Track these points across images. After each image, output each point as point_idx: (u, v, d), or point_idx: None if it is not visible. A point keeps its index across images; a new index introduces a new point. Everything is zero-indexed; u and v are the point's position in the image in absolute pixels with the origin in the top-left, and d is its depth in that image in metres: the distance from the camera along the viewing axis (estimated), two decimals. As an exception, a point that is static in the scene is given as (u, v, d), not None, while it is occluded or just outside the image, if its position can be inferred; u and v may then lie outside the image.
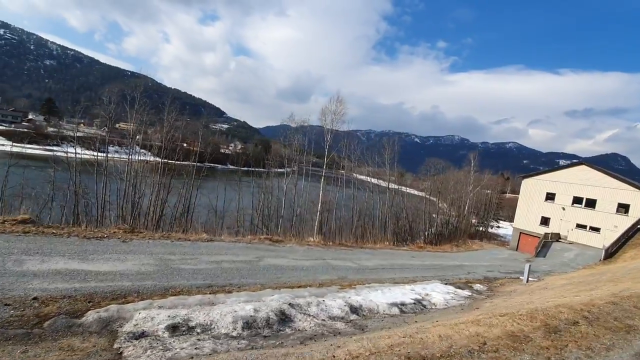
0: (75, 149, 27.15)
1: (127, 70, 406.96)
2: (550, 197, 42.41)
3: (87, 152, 32.74)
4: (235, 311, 6.64)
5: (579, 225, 39.64)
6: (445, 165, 63.62)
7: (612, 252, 31.89)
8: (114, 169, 28.44)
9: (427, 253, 23.09)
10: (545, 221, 42.52)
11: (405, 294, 11.06)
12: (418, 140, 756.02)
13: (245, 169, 48.68)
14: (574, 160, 42.12)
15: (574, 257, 32.95)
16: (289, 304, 8.05)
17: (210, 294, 7.80)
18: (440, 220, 60.54)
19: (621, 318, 5.86)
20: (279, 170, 51.63)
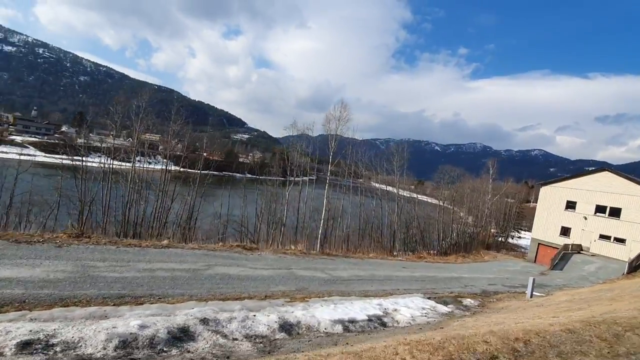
0: (81, 157, 27.73)
1: (154, 84, 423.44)
2: (570, 205, 39.55)
3: (114, 162, 33.79)
4: (115, 327, 5.81)
5: (602, 236, 36.63)
6: (461, 173, 61.01)
7: (637, 265, 29.05)
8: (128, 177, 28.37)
9: (424, 264, 21.47)
10: (565, 231, 39.62)
11: (366, 309, 9.89)
12: (438, 149, 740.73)
13: (263, 177, 48.30)
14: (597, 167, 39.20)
15: (595, 270, 30.21)
16: (203, 319, 7.14)
17: (112, 305, 7.03)
18: (457, 230, 58.17)
19: (567, 353, 4.59)
20: (296, 178, 51.38)
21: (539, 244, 41.55)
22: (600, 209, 37.14)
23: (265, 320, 7.99)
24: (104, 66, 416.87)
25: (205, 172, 37.79)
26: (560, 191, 40.58)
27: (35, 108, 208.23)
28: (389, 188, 56.98)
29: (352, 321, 8.94)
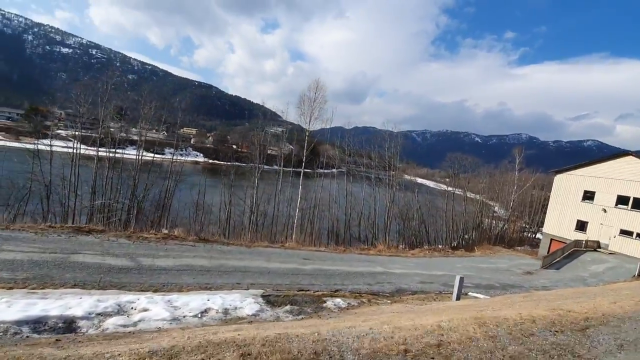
0: (77, 145, 28.76)
1: (195, 81, 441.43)
2: (588, 196, 34.47)
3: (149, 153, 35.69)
4: None
5: (623, 232, 31.54)
6: (476, 161, 56.03)
7: (654, 267, 24.44)
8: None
9: (358, 256, 18.36)
10: (581, 226, 34.68)
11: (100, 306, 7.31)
12: (479, 140, 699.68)
13: (291, 169, 47.67)
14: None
15: (603, 271, 25.86)
16: None
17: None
18: (473, 222, 53.78)
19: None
20: (325, 170, 50.31)
21: (551, 239, 36.78)
22: (622, 200, 31.91)
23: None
24: (149, 64, 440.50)
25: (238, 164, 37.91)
26: (577, 180, 35.46)
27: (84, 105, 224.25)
28: (420, 180, 54.35)
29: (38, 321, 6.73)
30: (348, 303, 9.76)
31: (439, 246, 42.39)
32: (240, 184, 38.34)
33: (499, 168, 62.21)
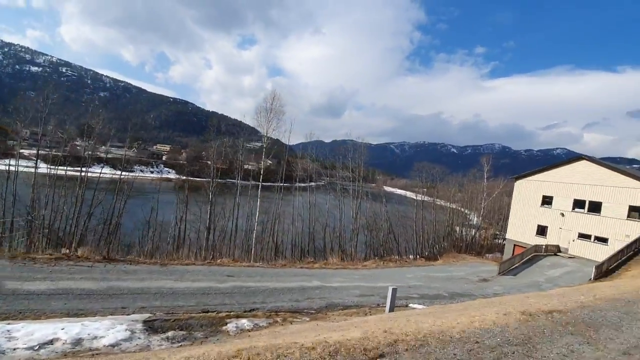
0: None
1: (170, 97, 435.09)
2: (547, 201, 34.78)
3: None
4: None
5: (581, 235, 31.75)
6: (444, 171, 56.37)
7: (608, 270, 24.40)
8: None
9: (313, 271, 17.30)
10: (542, 230, 34.84)
11: None
12: (455, 151, 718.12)
13: (268, 184, 46.30)
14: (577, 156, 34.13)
15: (560, 275, 25.65)
16: None
17: None
18: (444, 232, 53.70)
19: None
20: (302, 184, 49.17)
21: (514, 245, 36.81)
22: (578, 204, 32.27)
23: None
24: (122, 81, 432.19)
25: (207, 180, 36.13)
26: (536, 185, 35.82)
27: (53, 123, 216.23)
28: (398, 191, 54.64)
29: None
30: (255, 324, 8.60)
31: (410, 256, 41.80)
32: (216, 201, 36.83)
33: (467, 176, 62.87)
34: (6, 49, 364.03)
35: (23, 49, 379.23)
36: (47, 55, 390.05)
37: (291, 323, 9.06)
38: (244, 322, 8.74)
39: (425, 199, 51.14)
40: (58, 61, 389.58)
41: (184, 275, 12.51)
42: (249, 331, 8.13)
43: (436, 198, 55.52)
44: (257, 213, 31.73)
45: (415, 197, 57.42)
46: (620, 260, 25.07)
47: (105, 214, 31.14)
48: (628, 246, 25.69)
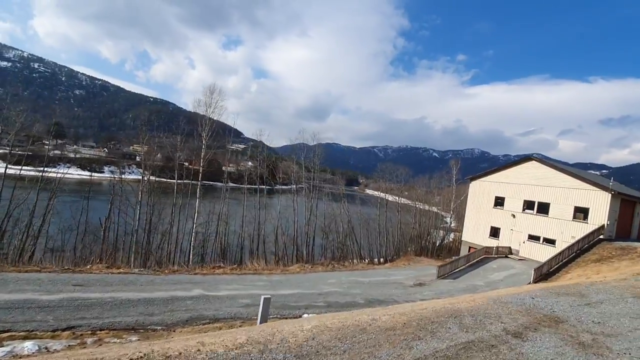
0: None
1: (150, 97, 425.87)
2: (499, 202, 34.23)
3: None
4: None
5: (531, 237, 31.23)
6: (408, 173, 55.60)
7: (548, 272, 23.72)
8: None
9: (205, 278, 15.28)
10: (495, 232, 34.24)
11: None
12: (437, 155, 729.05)
13: (248, 186, 44.57)
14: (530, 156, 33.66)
15: (503, 278, 24.85)
16: None
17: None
18: (411, 234, 52.96)
19: None
20: (283, 187, 47.33)
21: (469, 247, 36.09)
22: (528, 205, 31.78)
23: None
24: (99, 79, 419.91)
25: (187, 181, 34.24)
26: (489, 186, 35.24)
27: (19, 121, 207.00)
28: (380, 194, 53.89)
29: None
30: (44, 347, 6.96)
31: (365, 260, 40.70)
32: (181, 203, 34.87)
33: (434, 179, 62.49)
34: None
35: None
36: (17, 50, 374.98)
37: (106, 345, 7.46)
38: (28, 345, 7.05)
39: (385, 201, 50.06)
40: (30, 56, 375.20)
41: (8, 284, 10.62)
42: (26, 357, 6.48)
43: (401, 199, 54.71)
44: (196, 215, 29.86)
45: (396, 200, 57.11)
46: (561, 263, 24.46)
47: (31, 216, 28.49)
48: (569, 248, 25.15)
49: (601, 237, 26.68)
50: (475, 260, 29.13)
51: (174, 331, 8.98)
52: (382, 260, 41.68)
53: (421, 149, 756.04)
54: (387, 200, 53.92)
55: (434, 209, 63.37)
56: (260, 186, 41.46)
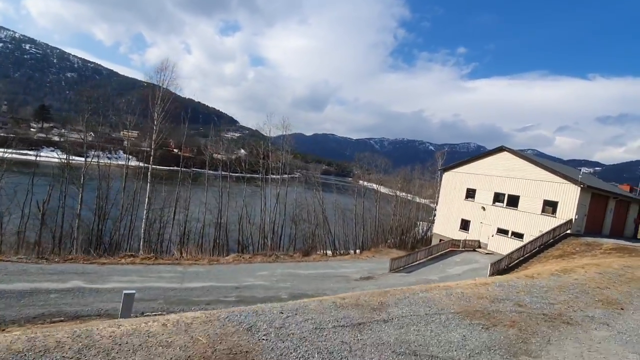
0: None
1: (144, 81, 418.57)
2: (470, 194, 32.96)
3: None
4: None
5: (500, 230, 30.06)
6: (386, 162, 54.05)
7: (507, 267, 22.57)
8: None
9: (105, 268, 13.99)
10: (465, 225, 33.08)
11: None
12: (432, 148, 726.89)
13: (237, 174, 43.60)
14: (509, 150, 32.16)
15: (461, 273, 23.71)
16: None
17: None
18: (392, 225, 51.81)
19: None
20: (274, 176, 46.02)
21: (440, 239, 34.92)
22: (498, 198, 30.53)
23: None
24: (92, 62, 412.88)
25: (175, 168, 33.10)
26: (461, 177, 33.92)
27: (5, 103, 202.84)
28: (373, 185, 53.20)
29: None
30: None
31: (338, 251, 39.54)
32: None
33: (415, 170, 61.12)
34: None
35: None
36: (8, 30, 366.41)
37: None
38: None
39: (363, 191, 48.79)
40: (21, 37, 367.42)
41: None
42: None
43: (380, 187, 53.41)
44: (146, 201, 28.39)
45: (390, 192, 56.18)
46: (522, 258, 23.31)
47: None
48: (532, 242, 24.00)
49: (568, 232, 25.51)
50: (439, 254, 27.97)
51: (2, 330, 7.62)
52: (355, 251, 40.55)
53: (417, 141, 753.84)
54: (379, 191, 52.62)
55: (425, 200, 62.25)
56: (238, 174, 40.11)
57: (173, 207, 31.98)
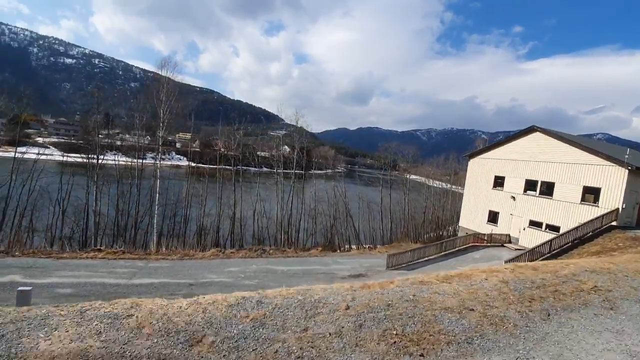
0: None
1: (196, 86, 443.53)
2: (499, 182, 29.31)
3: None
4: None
5: (532, 223, 26.29)
6: (416, 153, 50.57)
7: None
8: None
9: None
10: (493, 217, 29.55)
11: None
12: (485, 137, 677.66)
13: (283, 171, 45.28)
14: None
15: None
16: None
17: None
18: (424, 218, 48.90)
19: None
20: (319, 171, 46.91)
21: (466, 233, 31.63)
22: (530, 185, 26.67)
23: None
24: (151, 72, 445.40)
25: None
26: (489, 164, 30.24)
27: (78, 113, 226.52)
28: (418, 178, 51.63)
29: None
30: None
31: (353, 246, 37.86)
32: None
33: (450, 160, 56.68)
34: (41, 42, 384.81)
35: (57, 41, 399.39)
36: (80, 47, 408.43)
37: None
38: None
39: (390, 183, 46.30)
40: (91, 53, 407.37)
41: None
42: None
43: (409, 177, 50.35)
44: (157, 197, 29.09)
45: (440, 185, 53.44)
46: (549, 254, 19.90)
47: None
48: (563, 236, 20.45)
49: (614, 223, 21.36)
50: (456, 249, 25.11)
51: None
52: (377, 246, 38.50)
53: (468, 130, 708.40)
54: (390, 179, 49.86)
55: (446, 185, 57.89)
56: (284, 170, 40.24)
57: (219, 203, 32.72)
